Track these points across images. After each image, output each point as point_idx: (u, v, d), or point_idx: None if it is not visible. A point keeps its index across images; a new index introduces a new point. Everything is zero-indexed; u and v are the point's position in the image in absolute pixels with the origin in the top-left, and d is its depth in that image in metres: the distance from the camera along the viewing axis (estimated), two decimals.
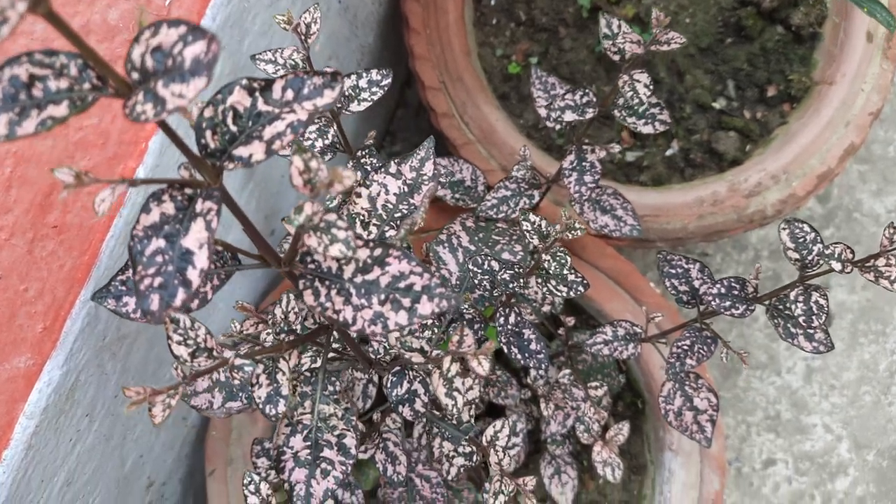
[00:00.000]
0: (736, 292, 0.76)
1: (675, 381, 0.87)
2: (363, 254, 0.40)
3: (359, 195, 0.55)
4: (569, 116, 0.76)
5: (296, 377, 0.53)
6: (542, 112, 0.85)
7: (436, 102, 1.12)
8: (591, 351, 0.86)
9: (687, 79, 1.14)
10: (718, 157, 1.12)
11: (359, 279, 0.40)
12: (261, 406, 0.46)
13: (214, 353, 0.43)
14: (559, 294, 0.68)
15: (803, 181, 1.07)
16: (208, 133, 0.34)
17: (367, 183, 0.56)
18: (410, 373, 0.56)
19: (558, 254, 0.66)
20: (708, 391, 0.88)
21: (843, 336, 1.51)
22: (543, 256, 0.66)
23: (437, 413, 0.65)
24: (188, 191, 0.34)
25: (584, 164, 0.81)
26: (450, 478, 0.77)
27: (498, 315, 0.76)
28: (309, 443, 0.54)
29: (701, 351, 0.82)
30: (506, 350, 0.81)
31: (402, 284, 0.40)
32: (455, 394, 0.49)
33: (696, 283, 0.81)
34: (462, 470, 0.77)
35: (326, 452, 0.54)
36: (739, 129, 1.12)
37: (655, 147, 1.14)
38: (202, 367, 0.43)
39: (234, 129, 0.34)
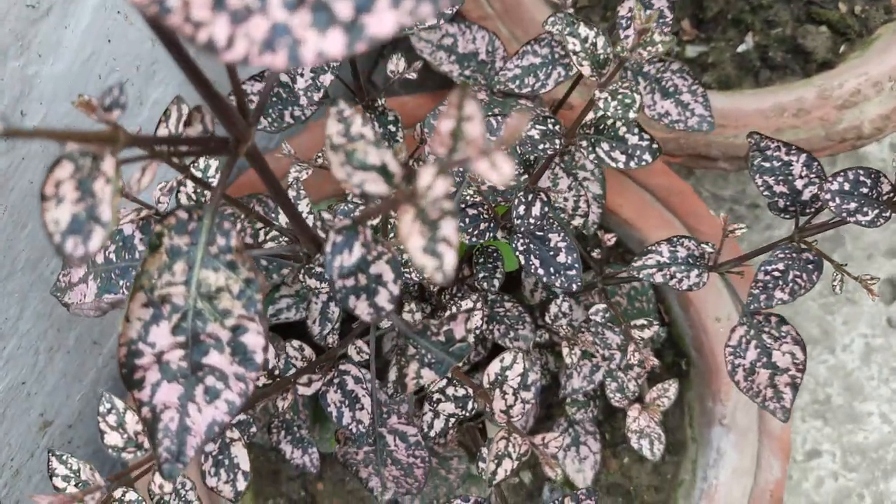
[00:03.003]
0: (865, 190, 0.52)
1: (751, 325, 0.64)
2: None
3: None
4: None
5: (163, 223, 0.30)
6: None
7: None
8: (637, 275, 0.62)
9: None
10: (804, 58, 0.88)
11: None
12: (59, 240, 0.23)
13: None
14: (615, 163, 0.44)
15: None
16: None
17: None
18: (366, 232, 0.32)
19: (621, 90, 0.42)
20: (794, 342, 0.64)
21: None
22: (598, 94, 0.42)
23: (415, 324, 0.41)
24: None
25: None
26: (433, 433, 0.53)
27: (516, 203, 0.52)
28: (182, 338, 0.31)
29: (798, 280, 0.58)
30: (522, 261, 0.57)
31: None
32: (440, 248, 0.25)
33: (800, 183, 0.57)
34: (451, 424, 0.54)
35: (213, 358, 0.31)
36: (833, 25, 0.88)
37: (724, 41, 0.89)
38: None
39: None
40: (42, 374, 0.69)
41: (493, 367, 0.49)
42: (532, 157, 0.52)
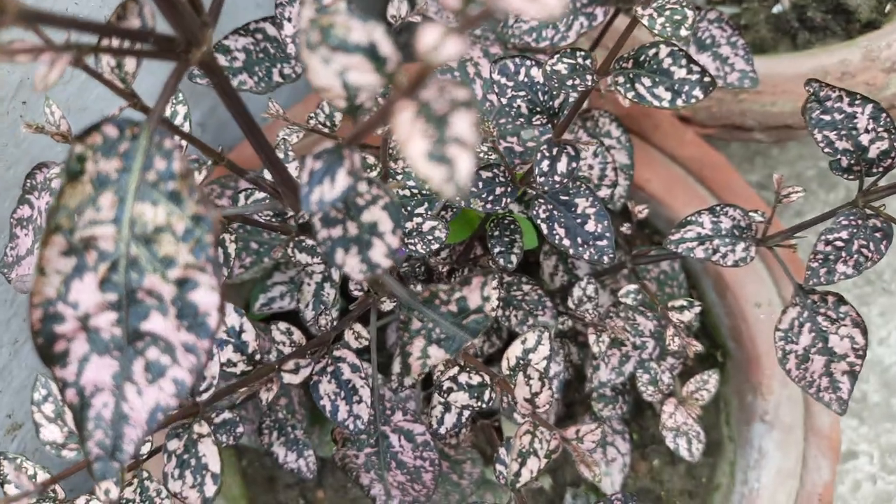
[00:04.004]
0: None
1: (805, 305, 0.56)
2: None
3: None
4: None
5: (85, 143, 0.22)
6: None
7: None
8: (675, 249, 0.54)
9: None
10: (846, 18, 0.80)
11: None
12: None
13: None
14: (658, 101, 0.37)
15: None
16: None
17: None
18: (353, 158, 0.25)
19: (669, 5, 0.34)
20: (853, 325, 0.56)
21: None
22: (641, 12, 0.34)
23: (422, 292, 0.34)
24: None
25: None
26: (443, 430, 0.46)
27: (539, 158, 0.44)
28: (114, 296, 0.23)
29: (864, 251, 0.50)
30: (545, 230, 0.50)
31: None
32: (451, 151, 0.18)
33: (865, 138, 0.49)
34: (465, 418, 0.46)
35: (155, 322, 0.23)
36: None
37: (758, 1, 0.81)
38: None
39: None
40: (6, 369, 0.62)
41: (514, 350, 0.42)
42: (556, 106, 0.45)
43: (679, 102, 0.38)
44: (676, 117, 0.76)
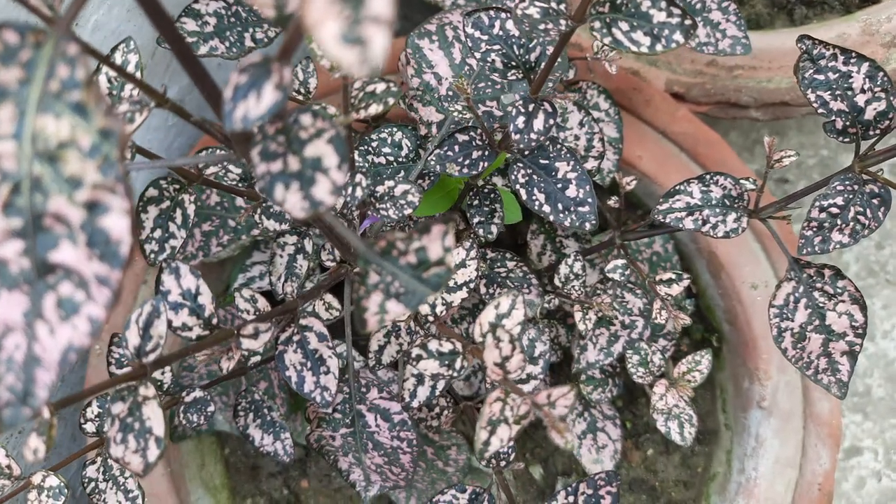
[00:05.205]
0: None
1: (800, 280, 0.53)
2: None
3: None
4: None
5: None
6: None
7: None
8: (662, 219, 0.52)
9: None
10: None
11: None
12: None
13: None
14: (636, 46, 0.35)
15: None
16: None
17: None
18: (283, 72, 0.22)
19: None
20: (852, 301, 0.54)
21: None
22: None
23: (377, 241, 0.32)
24: None
25: None
26: (415, 403, 0.44)
27: (514, 113, 0.42)
28: (19, 221, 0.21)
29: (860, 218, 0.48)
30: (524, 195, 0.47)
31: None
32: (366, 31, 0.15)
33: (861, 98, 0.47)
34: (439, 390, 0.44)
35: (65, 252, 0.21)
36: None
37: None
38: None
39: None
40: None
41: (487, 316, 0.39)
42: (532, 60, 0.42)
43: (658, 47, 0.36)
44: (669, 93, 0.74)
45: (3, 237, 0.22)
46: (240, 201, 0.65)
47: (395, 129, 0.52)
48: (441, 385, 0.44)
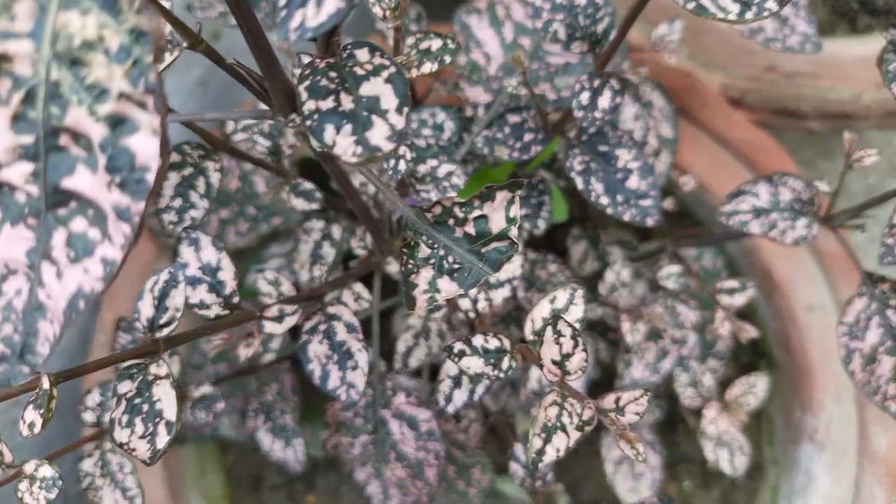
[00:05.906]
0: None
1: (872, 295, 0.48)
2: None
3: None
4: None
5: None
6: None
7: None
8: (726, 222, 0.47)
9: None
10: None
11: None
12: None
13: None
14: (723, 13, 0.30)
15: None
16: None
17: None
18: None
19: None
20: None
21: None
22: None
23: (432, 208, 0.27)
24: None
25: None
26: (451, 409, 0.39)
27: (578, 89, 0.37)
28: (30, 137, 0.17)
29: None
30: (580, 184, 0.43)
31: None
32: None
33: None
34: (477, 395, 0.39)
35: (82, 178, 0.17)
36: None
37: None
38: None
39: None
40: None
41: (540, 310, 0.35)
42: (599, 32, 0.38)
43: (749, 15, 0.31)
44: (724, 98, 0.69)
45: (10, 157, 0.18)
46: (261, 187, 0.61)
47: (437, 111, 0.48)
48: (480, 389, 0.39)
